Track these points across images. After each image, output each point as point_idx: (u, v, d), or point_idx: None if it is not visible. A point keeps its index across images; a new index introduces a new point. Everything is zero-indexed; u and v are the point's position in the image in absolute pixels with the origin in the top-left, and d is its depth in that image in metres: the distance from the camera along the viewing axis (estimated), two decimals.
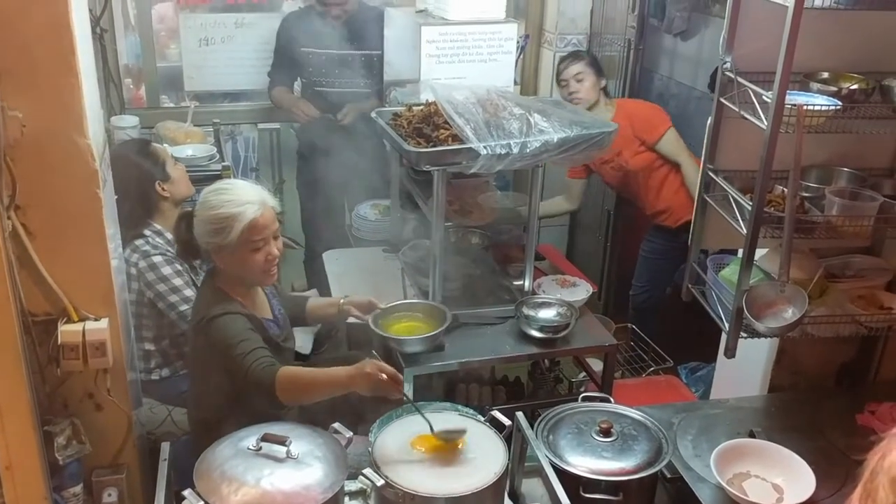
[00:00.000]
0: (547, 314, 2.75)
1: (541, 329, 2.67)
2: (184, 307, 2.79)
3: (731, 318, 2.18)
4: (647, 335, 3.76)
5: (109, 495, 2.28)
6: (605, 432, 2.07)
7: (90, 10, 2.87)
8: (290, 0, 4.47)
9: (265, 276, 2.39)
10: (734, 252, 2.46)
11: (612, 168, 3.80)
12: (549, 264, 3.49)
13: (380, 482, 1.78)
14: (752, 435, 2.24)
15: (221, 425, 2.04)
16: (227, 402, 2.27)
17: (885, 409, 2.38)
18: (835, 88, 2.09)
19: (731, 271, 2.35)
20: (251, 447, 1.78)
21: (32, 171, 1.96)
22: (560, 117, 2.59)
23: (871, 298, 2.36)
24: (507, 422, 2.00)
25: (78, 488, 2.22)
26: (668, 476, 2.11)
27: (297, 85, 4.20)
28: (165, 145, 3.51)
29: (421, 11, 3.27)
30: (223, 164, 3.65)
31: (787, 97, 1.94)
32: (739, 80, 2.10)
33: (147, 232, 2.89)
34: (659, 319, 3.94)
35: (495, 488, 1.82)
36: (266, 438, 1.79)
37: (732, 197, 2.17)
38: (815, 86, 2.11)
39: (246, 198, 2.30)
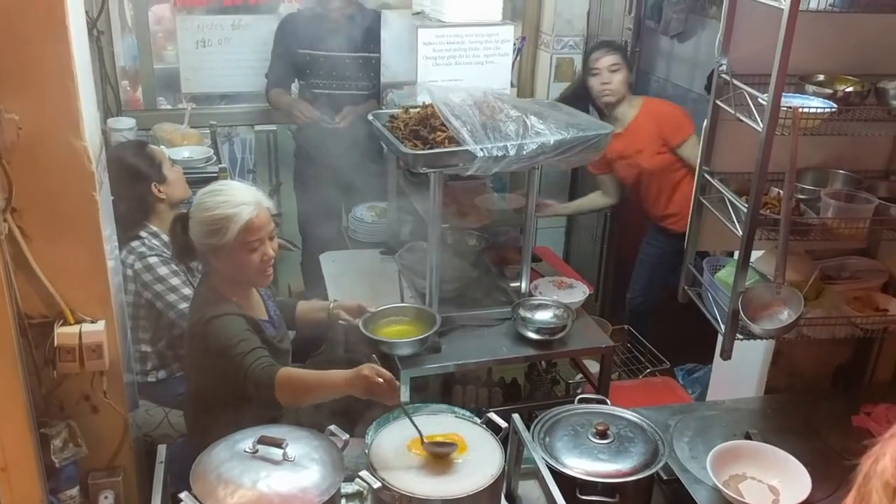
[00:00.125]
0: (544, 316, 2.76)
1: (537, 331, 2.68)
2: (183, 305, 2.79)
3: (727, 319, 2.18)
4: (643, 337, 3.76)
5: (106, 498, 2.27)
6: (602, 434, 2.07)
7: (86, 12, 2.87)
8: (287, 2, 4.46)
9: (261, 276, 2.39)
10: (730, 254, 2.47)
11: (628, 164, 3.73)
12: (546, 266, 3.50)
13: (376, 485, 1.78)
14: (748, 436, 2.25)
15: (218, 427, 2.04)
16: (224, 404, 2.27)
17: (880, 411, 2.38)
18: (830, 91, 2.10)
19: (726, 273, 2.35)
20: (247, 449, 1.78)
21: (28, 174, 1.96)
22: (556, 119, 2.59)
23: (867, 300, 2.37)
24: (503, 424, 2.00)
25: (74, 491, 2.21)
26: (665, 478, 2.11)
27: (295, 87, 4.20)
28: (162, 147, 3.51)
29: (418, 13, 3.28)
30: (220, 165, 3.65)
31: (783, 99, 1.94)
32: (735, 82, 2.10)
33: (143, 233, 2.90)
34: (654, 322, 3.93)
35: (492, 490, 1.82)
36: (262, 441, 1.79)
37: (728, 199, 2.17)
38: (810, 88, 2.12)
39: (241, 199, 2.31)
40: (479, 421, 2.05)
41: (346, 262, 3.38)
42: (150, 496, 1.80)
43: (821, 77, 2.19)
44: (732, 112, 2.11)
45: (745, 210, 2.06)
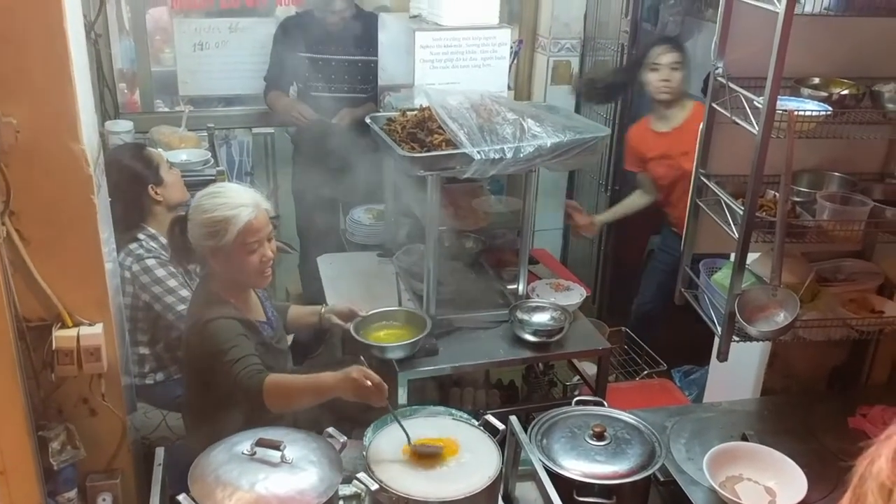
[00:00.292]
0: (541, 318, 2.76)
1: (535, 333, 2.68)
2: (181, 307, 2.79)
3: (724, 322, 2.19)
4: (643, 341, 3.76)
5: (104, 500, 2.28)
6: (599, 436, 2.07)
7: (84, 16, 2.87)
8: (284, 6, 4.47)
9: (260, 277, 2.40)
10: (726, 256, 2.48)
11: (669, 165, 3.63)
12: (543, 268, 3.50)
13: (374, 486, 1.79)
14: (744, 438, 2.26)
15: (216, 430, 2.05)
16: (221, 407, 2.28)
17: (876, 412, 2.39)
18: (825, 94, 2.11)
19: (723, 275, 2.36)
20: (246, 452, 1.79)
21: (27, 177, 1.96)
22: (553, 122, 2.60)
23: (863, 302, 2.37)
24: (500, 426, 2.01)
25: (72, 493, 2.22)
26: (662, 479, 2.12)
27: (293, 90, 4.21)
28: (160, 150, 3.51)
29: (415, 17, 3.28)
30: (217, 168, 3.65)
31: (779, 102, 1.95)
32: (731, 85, 2.11)
33: (141, 236, 2.90)
34: (660, 328, 3.88)
35: (489, 492, 1.83)
36: (260, 443, 1.79)
37: (724, 202, 2.18)
38: (805, 91, 2.13)
39: (240, 200, 2.31)
40: (476, 423, 2.05)
41: (343, 265, 3.39)
42: (148, 498, 1.81)
43: (816, 80, 2.20)
44: (728, 115, 2.12)
45: (742, 213, 2.07)
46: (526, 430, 2.06)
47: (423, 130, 2.59)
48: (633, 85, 3.74)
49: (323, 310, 2.72)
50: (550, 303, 2.83)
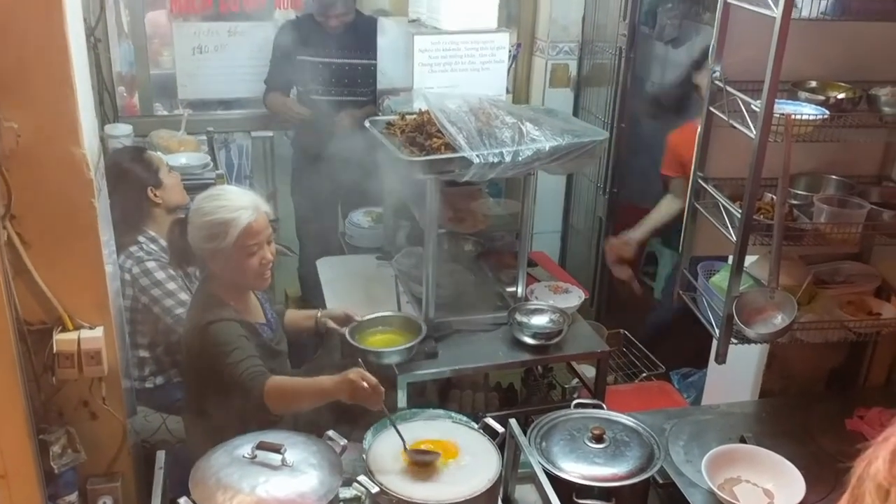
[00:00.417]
0: (540, 321, 2.77)
1: (534, 335, 2.69)
2: (179, 310, 2.80)
3: (722, 324, 2.20)
4: (642, 343, 3.76)
5: (104, 503, 2.28)
6: (598, 438, 2.08)
7: (84, 20, 2.88)
8: (282, 9, 4.48)
9: (260, 280, 2.41)
10: (724, 259, 2.49)
11: None
12: (542, 271, 3.51)
13: (374, 489, 1.80)
14: (742, 440, 2.26)
15: (216, 432, 2.06)
16: (221, 409, 2.28)
17: (874, 414, 2.40)
18: (822, 97, 2.11)
19: (721, 278, 2.37)
20: (246, 455, 1.80)
21: (28, 181, 1.97)
22: (551, 126, 2.61)
23: (860, 304, 2.38)
24: (500, 429, 2.02)
25: (73, 497, 2.22)
26: (660, 481, 2.12)
27: (294, 93, 4.22)
28: (159, 153, 3.52)
29: (414, 21, 3.29)
30: (217, 172, 3.66)
31: (776, 106, 1.96)
32: (728, 89, 2.12)
33: (141, 238, 2.91)
34: (672, 336, 3.76)
35: (489, 494, 1.84)
36: (261, 446, 1.80)
37: (722, 204, 2.19)
38: (802, 95, 2.14)
39: (240, 203, 2.33)
40: (476, 426, 2.06)
41: (342, 268, 3.40)
42: (148, 501, 1.81)
43: (813, 84, 2.21)
44: (726, 118, 2.13)
45: (739, 215, 2.08)
46: (525, 433, 2.07)
47: (422, 134, 2.60)
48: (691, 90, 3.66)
49: (319, 314, 2.73)
50: (549, 305, 2.84)
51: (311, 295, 3.79)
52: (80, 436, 2.20)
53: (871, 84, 2.17)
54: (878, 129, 2.14)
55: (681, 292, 2.49)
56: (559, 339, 2.70)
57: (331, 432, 1.97)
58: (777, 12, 1.86)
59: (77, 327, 2.11)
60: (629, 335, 3.83)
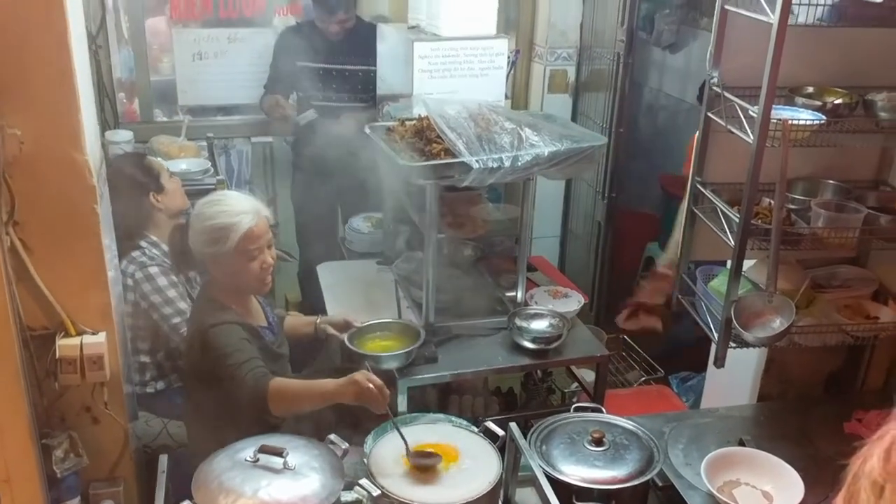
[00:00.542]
0: (539, 325, 2.77)
1: (533, 340, 2.70)
2: (176, 319, 2.81)
3: (720, 328, 2.21)
4: (639, 346, 3.78)
5: None
6: (597, 442, 2.09)
7: (86, 28, 2.89)
8: (281, 15, 4.50)
9: (261, 284, 2.42)
10: (723, 263, 2.50)
11: None
12: (542, 275, 3.52)
13: (376, 492, 1.80)
14: (741, 443, 2.27)
15: (218, 436, 2.06)
16: (223, 412, 2.29)
17: (872, 417, 2.40)
18: (819, 103, 2.13)
19: (719, 282, 2.38)
20: (248, 458, 1.80)
21: (30, 188, 1.98)
22: (550, 131, 2.62)
23: (857, 308, 2.39)
24: (500, 432, 2.02)
25: (75, 501, 2.23)
26: (660, 484, 2.13)
27: (293, 99, 4.23)
28: (160, 159, 3.53)
29: (413, 27, 3.31)
30: (217, 177, 3.67)
31: (773, 111, 1.97)
32: (726, 94, 2.14)
33: (143, 243, 2.92)
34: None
35: (490, 497, 1.85)
36: (263, 450, 1.81)
37: (720, 209, 2.20)
38: (800, 100, 2.15)
39: (240, 208, 2.34)
40: (476, 430, 2.07)
41: (342, 273, 3.40)
42: None
43: (810, 89, 2.23)
44: (723, 124, 2.14)
45: (737, 220, 2.09)
46: (525, 437, 2.08)
47: (421, 140, 2.61)
48: None
49: (318, 321, 2.74)
50: (549, 310, 2.85)
51: (311, 300, 3.80)
52: (83, 440, 2.21)
53: (868, 89, 2.19)
54: (874, 134, 2.16)
55: (679, 296, 2.50)
56: (559, 344, 2.71)
57: (332, 436, 1.97)
58: (774, 18, 1.88)
59: (79, 332, 2.12)
60: (629, 340, 3.84)
